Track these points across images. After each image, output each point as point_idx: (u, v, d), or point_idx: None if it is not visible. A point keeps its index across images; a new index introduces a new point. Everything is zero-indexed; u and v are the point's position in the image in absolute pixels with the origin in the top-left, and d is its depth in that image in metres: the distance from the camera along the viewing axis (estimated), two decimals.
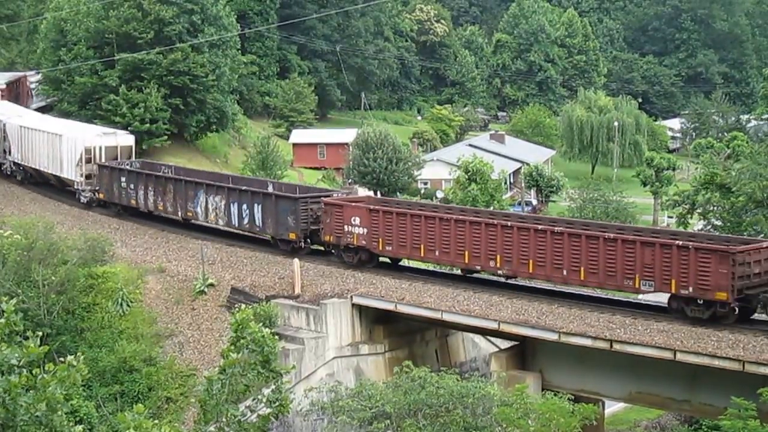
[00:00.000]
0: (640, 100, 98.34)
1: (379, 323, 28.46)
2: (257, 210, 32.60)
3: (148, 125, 50.68)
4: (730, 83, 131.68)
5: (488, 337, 30.62)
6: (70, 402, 18.90)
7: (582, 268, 25.11)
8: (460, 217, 28.48)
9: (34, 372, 12.78)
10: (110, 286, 31.06)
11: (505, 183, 69.47)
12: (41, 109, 57.81)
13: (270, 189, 34.16)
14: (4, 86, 56.71)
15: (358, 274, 29.70)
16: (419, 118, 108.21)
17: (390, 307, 27.19)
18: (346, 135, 73.04)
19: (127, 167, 39.25)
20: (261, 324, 18.80)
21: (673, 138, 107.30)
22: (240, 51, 63.55)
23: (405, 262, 31.40)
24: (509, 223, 27.01)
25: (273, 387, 17.80)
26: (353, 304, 27.82)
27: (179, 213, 36.34)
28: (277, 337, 18.99)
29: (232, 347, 17.16)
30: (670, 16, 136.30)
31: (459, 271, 29.07)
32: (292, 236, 31.40)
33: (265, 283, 30.00)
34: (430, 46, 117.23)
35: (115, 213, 39.48)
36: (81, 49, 51.58)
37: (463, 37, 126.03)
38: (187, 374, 27.45)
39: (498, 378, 23.97)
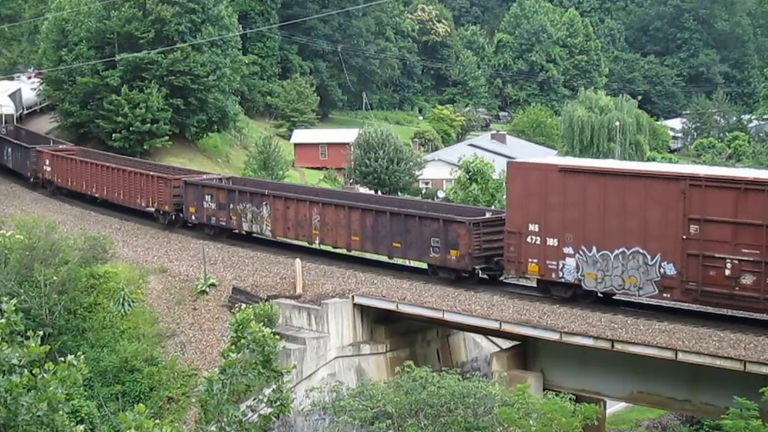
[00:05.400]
0: (640, 98, 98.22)
1: (381, 323, 28.45)
2: (14, 156, 49.06)
3: (149, 125, 50.69)
4: (732, 83, 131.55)
5: (490, 337, 30.60)
6: (71, 402, 18.92)
7: (121, 192, 39.18)
8: (71, 156, 44.00)
9: (35, 372, 12.78)
10: (112, 286, 31.08)
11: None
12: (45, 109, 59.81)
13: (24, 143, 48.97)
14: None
15: (359, 273, 29.72)
16: (421, 118, 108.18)
17: (391, 306, 27.19)
18: (348, 135, 73.02)
19: None
20: (261, 324, 18.79)
21: (674, 138, 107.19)
22: (241, 51, 63.55)
23: (406, 262, 31.38)
24: (96, 162, 41.85)
25: (274, 387, 17.78)
26: (354, 304, 27.82)
27: None
28: (278, 336, 18.97)
29: (233, 347, 17.15)
30: (672, 16, 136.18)
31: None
32: (29, 174, 46.12)
33: (267, 282, 30.01)
34: (432, 46, 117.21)
35: None
36: (82, 49, 51.58)
37: (465, 37, 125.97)
38: (189, 374, 27.45)
39: (499, 378, 23.95)
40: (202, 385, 17.06)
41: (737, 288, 22.75)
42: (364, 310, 27.98)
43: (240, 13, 74.41)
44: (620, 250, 24.40)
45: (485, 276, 28.29)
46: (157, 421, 14.27)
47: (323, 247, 32.02)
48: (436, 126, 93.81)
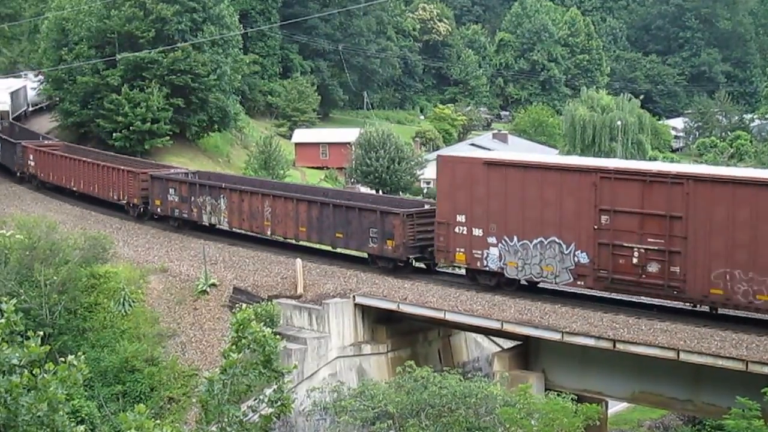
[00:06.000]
0: (642, 97, 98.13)
1: (382, 323, 28.38)
2: (2, 151, 50.11)
3: (149, 125, 50.62)
4: (734, 82, 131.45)
5: (491, 337, 30.53)
6: (71, 402, 18.87)
7: (96, 185, 40.60)
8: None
9: (35, 372, 12.73)
10: (112, 286, 31.00)
11: None
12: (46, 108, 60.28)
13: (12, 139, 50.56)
14: None
15: (360, 273, 29.65)
16: (422, 117, 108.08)
17: (392, 306, 27.12)
18: (349, 134, 72.97)
19: None
20: (262, 324, 18.72)
21: (676, 137, 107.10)
22: (242, 50, 63.50)
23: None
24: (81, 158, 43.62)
25: (275, 387, 17.71)
26: (356, 304, 27.75)
27: None
28: (279, 336, 18.89)
29: (233, 347, 17.08)
30: (674, 15, 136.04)
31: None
32: (16, 168, 47.85)
33: (268, 282, 29.95)
34: (433, 45, 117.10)
35: None
36: (82, 49, 51.53)
37: (466, 37, 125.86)
38: (190, 374, 27.38)
39: (501, 378, 23.85)
40: (203, 385, 17.00)
41: (644, 276, 23.91)
42: (365, 310, 27.90)
43: (241, 12, 74.33)
44: (539, 239, 25.63)
45: (422, 265, 29.38)
46: (158, 421, 14.21)
47: (275, 238, 33.61)
48: (437, 125, 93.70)
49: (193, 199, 35.37)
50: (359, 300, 27.71)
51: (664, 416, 31.71)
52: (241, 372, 16.93)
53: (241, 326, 17.39)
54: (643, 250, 23.77)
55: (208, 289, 30.44)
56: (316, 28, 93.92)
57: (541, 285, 26.76)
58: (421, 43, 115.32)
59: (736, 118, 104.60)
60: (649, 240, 23.73)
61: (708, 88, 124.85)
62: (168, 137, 52.22)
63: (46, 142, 49.48)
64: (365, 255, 30.13)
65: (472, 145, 78.75)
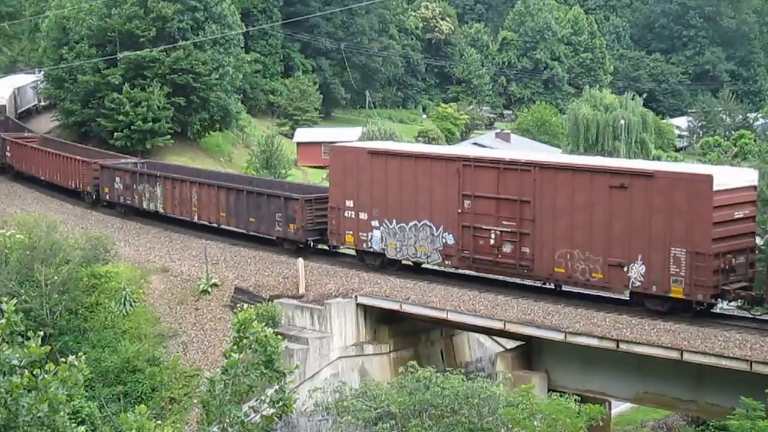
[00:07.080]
0: (645, 96, 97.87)
1: (384, 323, 28.29)
2: None
3: (150, 124, 50.55)
4: (738, 81, 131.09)
5: (494, 337, 30.43)
6: (72, 403, 18.74)
7: (58, 174, 43.14)
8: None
9: (35, 372, 12.66)
10: (113, 286, 30.95)
11: None
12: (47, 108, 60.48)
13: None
14: None
15: (363, 273, 29.57)
16: (424, 116, 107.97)
17: (395, 306, 27.04)
18: (351, 134, 72.88)
19: None
20: (264, 324, 18.66)
21: (680, 136, 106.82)
22: (244, 49, 63.45)
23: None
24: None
25: (276, 387, 17.66)
26: (358, 304, 27.65)
27: None
28: (280, 337, 18.83)
29: (235, 347, 17.03)
30: (677, 14, 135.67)
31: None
32: None
33: (269, 282, 29.88)
34: (436, 44, 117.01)
35: None
36: (83, 48, 51.47)
37: (469, 35, 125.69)
38: (191, 374, 27.31)
39: (504, 378, 23.72)
40: (204, 386, 16.97)
41: (500, 256, 26.18)
42: (367, 310, 27.80)
43: (242, 11, 74.25)
44: (413, 222, 27.93)
45: (327, 247, 31.41)
46: (159, 422, 14.17)
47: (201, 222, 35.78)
48: (439, 124, 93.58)
49: (135, 186, 38.09)
50: (361, 300, 27.62)
51: (668, 417, 31.58)
52: (242, 372, 16.89)
53: (243, 326, 17.35)
54: (499, 232, 26.00)
55: (209, 289, 30.38)
56: (318, 27, 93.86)
57: (424, 266, 28.71)
58: (424, 42, 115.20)
59: (740, 117, 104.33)
60: (503, 223, 25.91)
61: (712, 87, 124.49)
62: (169, 136, 52.16)
63: (25, 134, 51.66)
64: (273, 238, 32.26)
65: (475, 144, 78.61)
